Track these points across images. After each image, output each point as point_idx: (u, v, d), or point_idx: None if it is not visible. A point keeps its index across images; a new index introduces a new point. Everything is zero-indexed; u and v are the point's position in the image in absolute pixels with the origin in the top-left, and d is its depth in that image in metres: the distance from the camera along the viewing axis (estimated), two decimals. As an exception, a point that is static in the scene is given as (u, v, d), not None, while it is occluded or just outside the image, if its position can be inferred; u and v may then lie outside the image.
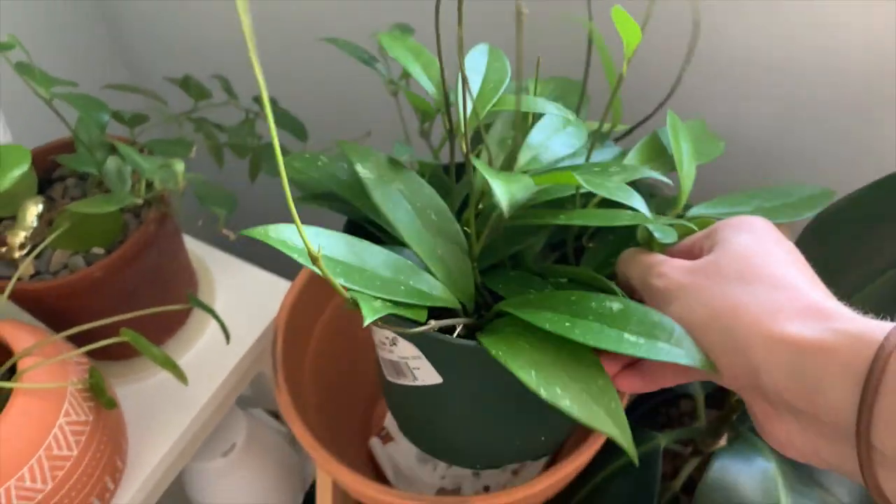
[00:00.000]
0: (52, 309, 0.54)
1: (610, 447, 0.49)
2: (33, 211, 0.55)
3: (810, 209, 0.45)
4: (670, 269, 0.36)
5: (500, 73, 0.42)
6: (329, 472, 0.49)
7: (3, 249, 0.54)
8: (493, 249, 0.42)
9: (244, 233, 0.36)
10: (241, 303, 0.68)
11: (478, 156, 0.45)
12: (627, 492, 0.47)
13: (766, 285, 0.33)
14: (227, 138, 0.62)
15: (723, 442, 0.52)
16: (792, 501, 0.39)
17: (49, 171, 0.60)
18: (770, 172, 0.67)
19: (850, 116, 0.60)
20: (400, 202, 0.39)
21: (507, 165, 0.41)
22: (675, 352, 0.33)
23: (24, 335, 0.48)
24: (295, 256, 0.35)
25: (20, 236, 0.54)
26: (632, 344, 0.33)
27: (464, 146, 0.38)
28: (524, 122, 0.43)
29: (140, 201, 0.48)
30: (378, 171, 0.40)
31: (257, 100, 0.67)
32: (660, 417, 0.72)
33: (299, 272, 0.62)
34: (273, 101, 0.67)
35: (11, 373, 0.47)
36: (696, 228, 0.40)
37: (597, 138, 0.45)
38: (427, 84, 0.42)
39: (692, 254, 0.39)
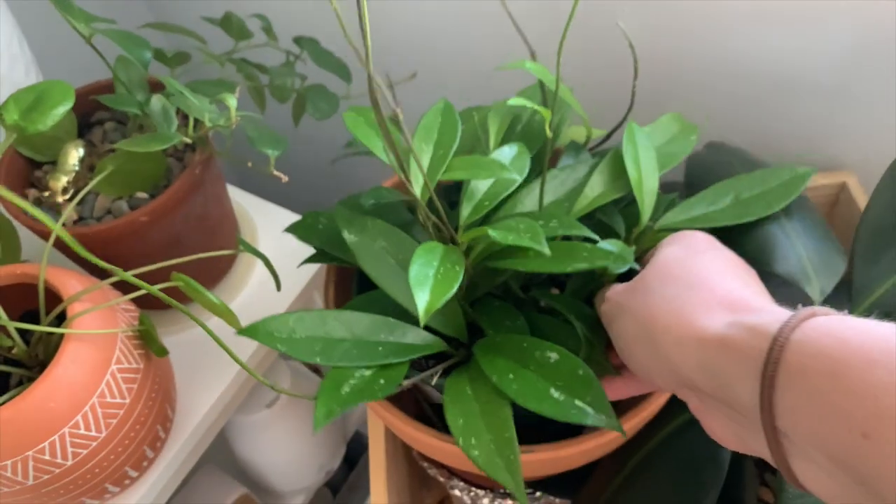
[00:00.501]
0: (95, 255, 0.53)
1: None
2: (74, 155, 0.53)
3: (787, 196, 0.45)
4: (611, 294, 0.39)
5: (451, 136, 0.44)
6: (382, 418, 0.47)
7: (46, 194, 0.53)
8: (476, 286, 0.46)
9: (241, 332, 0.43)
10: (286, 250, 0.66)
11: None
12: (702, 438, 0.45)
13: (681, 286, 0.34)
14: (268, 80, 0.60)
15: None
16: None
17: (87, 116, 0.58)
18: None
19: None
20: (384, 258, 0.44)
21: (453, 222, 0.44)
22: (586, 410, 0.37)
23: (72, 281, 0.46)
24: (278, 347, 0.41)
25: (62, 181, 0.52)
26: (553, 401, 0.38)
27: (420, 216, 0.42)
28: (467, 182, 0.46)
29: (189, 140, 0.46)
30: (362, 234, 0.45)
31: (298, 40, 0.64)
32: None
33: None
34: (314, 42, 0.64)
35: (61, 320, 0.46)
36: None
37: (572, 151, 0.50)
38: (384, 156, 0.43)
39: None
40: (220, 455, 0.79)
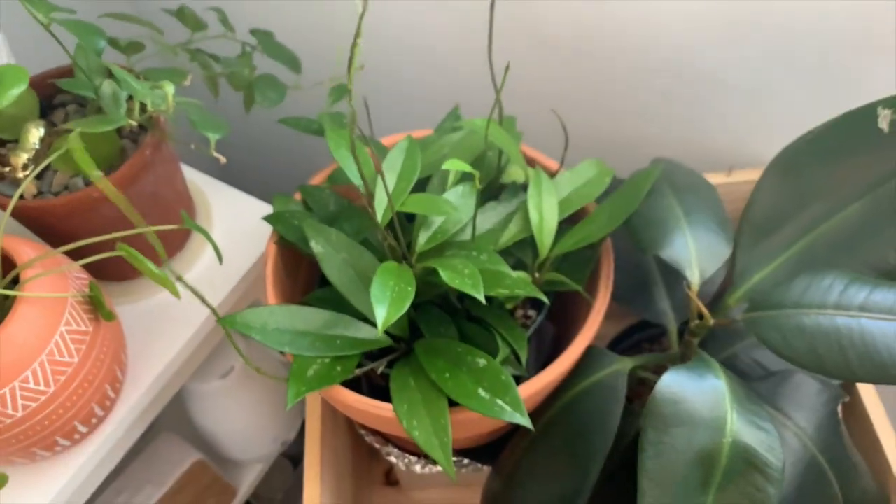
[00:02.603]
0: (52, 227, 0.57)
1: (579, 370, 0.53)
2: (35, 133, 0.57)
3: (639, 195, 0.51)
4: None
5: (412, 171, 0.52)
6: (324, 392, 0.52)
7: (7, 170, 0.57)
8: (420, 293, 0.51)
9: (221, 321, 0.48)
10: (238, 230, 0.71)
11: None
12: (594, 408, 0.50)
13: None
14: (222, 69, 0.64)
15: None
16: (737, 416, 0.41)
17: (50, 98, 0.62)
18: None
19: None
20: (345, 269, 0.51)
21: (413, 249, 0.52)
22: (505, 408, 0.45)
23: (26, 249, 0.51)
24: (253, 336, 0.48)
25: (22, 157, 0.56)
26: (480, 399, 0.45)
27: (380, 237, 0.50)
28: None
29: (135, 123, 0.50)
30: (328, 245, 0.52)
31: (254, 32, 0.68)
32: (644, 352, 0.74)
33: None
34: (268, 34, 0.68)
35: (14, 284, 0.50)
36: (564, 280, 0.52)
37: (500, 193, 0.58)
38: (357, 181, 0.50)
39: None
40: (178, 423, 0.84)
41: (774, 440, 0.41)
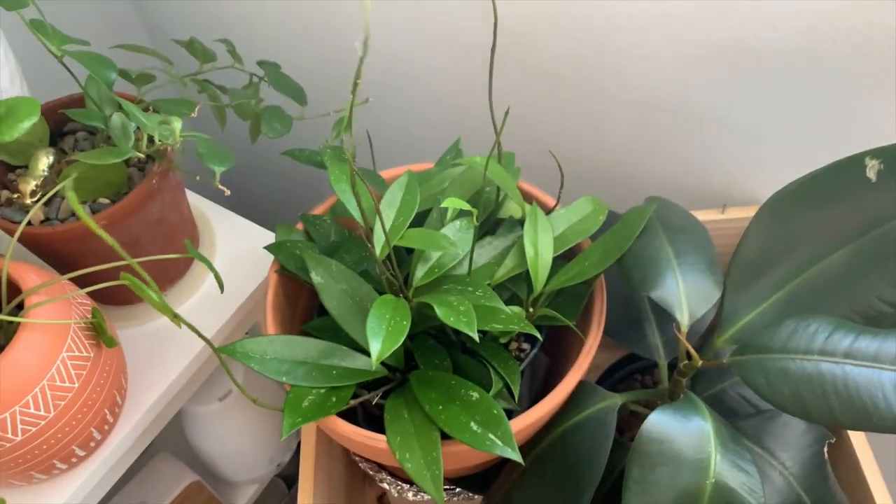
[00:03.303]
0: (58, 253, 0.58)
1: (570, 405, 0.54)
2: (44, 161, 0.59)
3: (634, 232, 0.53)
4: None
5: (411, 206, 0.52)
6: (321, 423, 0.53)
7: (16, 196, 0.58)
8: (416, 324, 0.53)
9: (219, 351, 0.49)
10: (240, 256, 0.72)
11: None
12: (584, 443, 0.51)
13: None
14: (229, 100, 0.65)
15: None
16: (721, 457, 0.42)
17: (61, 125, 0.64)
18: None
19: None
20: (343, 299, 0.52)
21: (410, 282, 0.53)
22: (496, 443, 0.45)
23: (31, 275, 0.52)
24: (252, 366, 0.49)
25: (31, 184, 0.58)
26: (472, 433, 0.46)
27: (378, 269, 0.51)
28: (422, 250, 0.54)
29: (142, 156, 0.51)
30: (328, 276, 0.53)
31: (261, 64, 0.70)
32: (635, 384, 0.75)
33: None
34: (275, 66, 0.70)
35: (20, 309, 0.51)
36: (557, 316, 0.52)
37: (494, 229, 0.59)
38: (357, 215, 0.51)
39: None
40: (175, 444, 0.85)
41: (756, 482, 0.42)
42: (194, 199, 0.76)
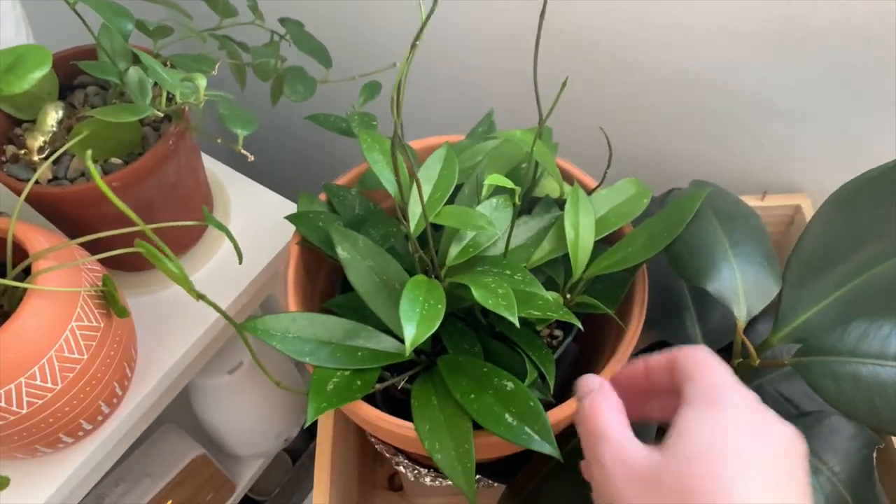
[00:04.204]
0: (68, 216, 0.55)
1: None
2: (53, 116, 0.55)
3: (684, 219, 0.49)
4: (614, 469, 0.33)
5: (449, 181, 0.49)
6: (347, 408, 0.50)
7: (23, 152, 0.55)
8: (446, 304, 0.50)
9: (240, 327, 0.45)
10: (256, 225, 0.68)
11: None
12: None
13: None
14: (250, 58, 0.61)
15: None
16: None
17: (70, 78, 0.60)
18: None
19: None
20: (370, 276, 0.49)
21: (442, 261, 0.50)
22: (533, 437, 0.42)
23: (39, 238, 0.48)
24: (274, 344, 0.46)
25: (39, 140, 0.54)
26: (507, 425, 0.43)
27: (411, 248, 0.48)
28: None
29: (160, 114, 0.47)
30: (354, 251, 0.50)
31: (283, 21, 0.66)
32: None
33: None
34: (298, 24, 0.65)
35: (26, 274, 0.48)
36: (597, 304, 0.48)
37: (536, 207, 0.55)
38: (391, 188, 0.48)
39: (644, 382, 0.38)
40: (183, 416, 0.82)
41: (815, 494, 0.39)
42: (209, 163, 0.73)
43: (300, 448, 1.04)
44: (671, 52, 0.68)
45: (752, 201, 0.70)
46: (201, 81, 0.45)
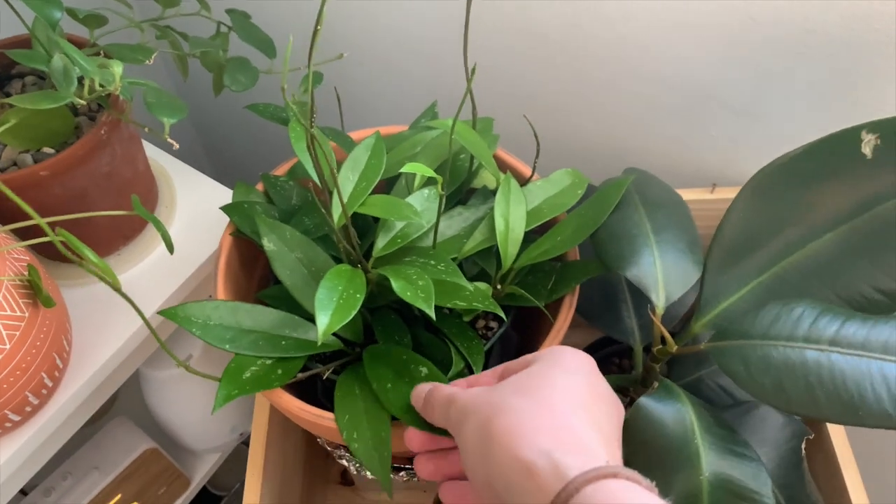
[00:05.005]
0: (-2, 204, 0.54)
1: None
2: (-16, 104, 0.54)
3: (608, 207, 0.50)
4: (463, 397, 0.38)
5: (376, 171, 0.49)
6: (269, 398, 0.50)
7: (-48, 141, 0.54)
8: (376, 297, 0.51)
9: (161, 314, 0.46)
10: (201, 217, 0.68)
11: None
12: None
13: (530, 401, 0.35)
14: (190, 49, 0.61)
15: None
16: (709, 439, 0.40)
17: (8, 68, 0.59)
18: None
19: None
20: (297, 268, 0.49)
21: (368, 252, 0.50)
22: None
23: (-38, 227, 0.48)
24: (194, 331, 0.45)
25: (-31, 129, 0.54)
26: (416, 413, 0.42)
27: (335, 237, 0.48)
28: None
29: (83, 102, 0.47)
30: (281, 243, 0.49)
31: (230, 12, 0.65)
32: (613, 367, 0.72)
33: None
34: (244, 15, 0.65)
35: (-52, 262, 0.47)
36: (525, 294, 0.49)
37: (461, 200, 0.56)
38: (314, 177, 0.47)
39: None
40: (134, 408, 0.82)
41: (758, 467, 0.39)
42: (157, 155, 0.72)
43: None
44: (624, 46, 0.68)
45: (701, 194, 0.70)
46: (117, 68, 0.45)
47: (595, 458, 0.31)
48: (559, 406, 0.34)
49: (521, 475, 0.32)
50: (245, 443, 0.97)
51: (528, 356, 0.40)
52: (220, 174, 0.74)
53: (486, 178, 0.58)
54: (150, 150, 0.72)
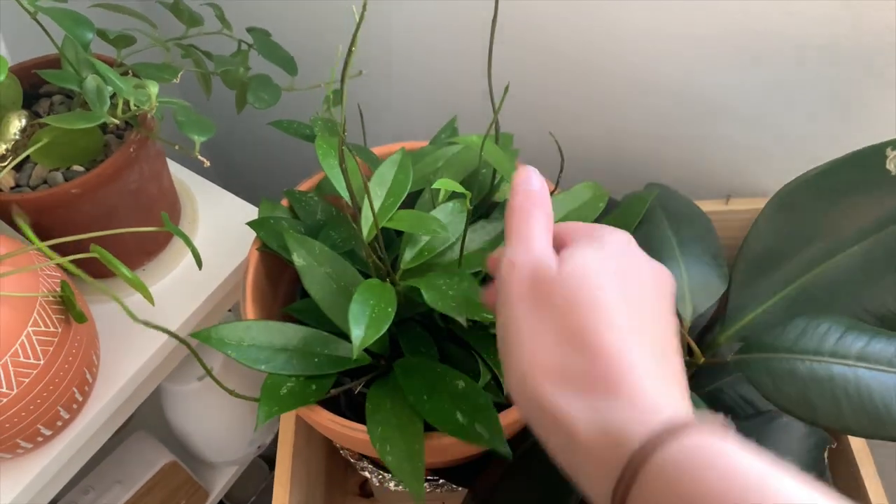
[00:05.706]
0: (29, 222, 0.55)
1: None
2: (16, 124, 0.55)
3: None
4: (522, 273, 0.33)
5: (403, 186, 0.50)
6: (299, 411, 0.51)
7: (-15, 160, 0.55)
8: (403, 308, 0.50)
9: (195, 336, 0.47)
10: (224, 232, 0.69)
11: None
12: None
13: (571, 343, 0.30)
14: (214, 67, 0.62)
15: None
16: None
17: (36, 87, 0.60)
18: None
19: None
20: (327, 283, 0.50)
21: (395, 264, 0.51)
22: (483, 434, 0.43)
23: (-3, 244, 0.49)
24: (229, 353, 0.47)
25: (1, 148, 0.55)
26: (457, 423, 0.44)
27: (363, 252, 0.49)
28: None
29: (117, 122, 0.48)
30: (310, 258, 0.50)
31: (251, 31, 0.66)
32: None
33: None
34: (265, 33, 0.66)
35: (-16, 280, 0.48)
36: None
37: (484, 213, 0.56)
38: (344, 193, 0.49)
39: (562, 241, 0.37)
40: (153, 421, 0.82)
41: None
42: (178, 171, 0.73)
43: (276, 455, 1.04)
44: (636, 58, 0.69)
45: (716, 205, 0.71)
46: (153, 88, 0.46)
47: (650, 413, 0.27)
48: (598, 338, 0.29)
49: (566, 441, 0.29)
50: (261, 455, 0.97)
51: (576, 227, 0.36)
52: (241, 190, 0.74)
53: (508, 192, 0.59)
54: (171, 167, 0.73)
